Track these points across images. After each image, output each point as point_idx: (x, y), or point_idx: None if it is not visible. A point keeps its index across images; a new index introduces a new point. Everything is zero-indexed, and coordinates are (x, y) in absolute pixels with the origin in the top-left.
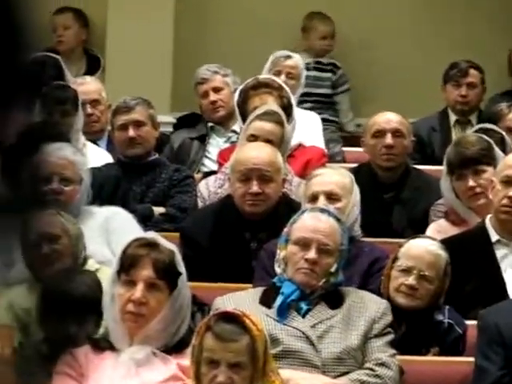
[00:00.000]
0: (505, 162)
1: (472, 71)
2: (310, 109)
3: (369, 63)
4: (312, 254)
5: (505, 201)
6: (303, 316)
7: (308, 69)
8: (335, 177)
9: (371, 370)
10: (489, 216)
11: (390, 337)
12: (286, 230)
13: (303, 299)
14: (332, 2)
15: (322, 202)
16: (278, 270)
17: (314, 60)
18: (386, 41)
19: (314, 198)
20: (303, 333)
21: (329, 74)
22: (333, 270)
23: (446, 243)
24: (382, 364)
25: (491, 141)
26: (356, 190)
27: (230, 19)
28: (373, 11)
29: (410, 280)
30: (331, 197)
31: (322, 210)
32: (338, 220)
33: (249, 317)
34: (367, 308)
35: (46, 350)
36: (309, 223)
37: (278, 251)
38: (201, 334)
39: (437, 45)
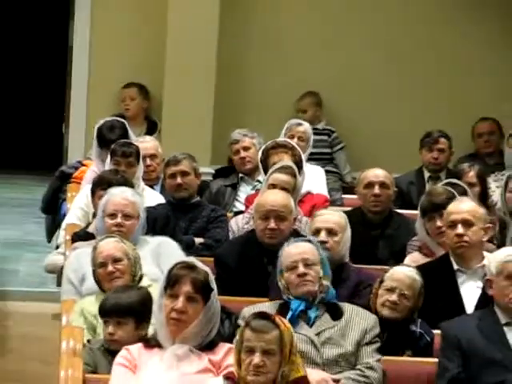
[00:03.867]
0: (447, 210)
1: (442, 139)
2: (316, 164)
3: (359, 127)
4: (301, 269)
5: (455, 239)
6: (311, 326)
7: None
8: (334, 217)
9: (361, 371)
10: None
11: (378, 345)
12: (278, 264)
13: (309, 308)
14: (321, 78)
15: (323, 235)
16: (284, 297)
17: (311, 127)
18: (372, 107)
19: (316, 232)
20: (309, 338)
21: (325, 137)
22: (321, 274)
23: (419, 270)
24: (370, 367)
25: (455, 192)
26: (348, 227)
27: (258, 94)
28: (360, 84)
29: (393, 297)
30: (331, 231)
31: (295, 240)
32: (308, 241)
33: (279, 317)
34: (361, 321)
35: (108, 345)
36: (291, 250)
37: (279, 283)
38: (242, 329)
39: (418, 112)
